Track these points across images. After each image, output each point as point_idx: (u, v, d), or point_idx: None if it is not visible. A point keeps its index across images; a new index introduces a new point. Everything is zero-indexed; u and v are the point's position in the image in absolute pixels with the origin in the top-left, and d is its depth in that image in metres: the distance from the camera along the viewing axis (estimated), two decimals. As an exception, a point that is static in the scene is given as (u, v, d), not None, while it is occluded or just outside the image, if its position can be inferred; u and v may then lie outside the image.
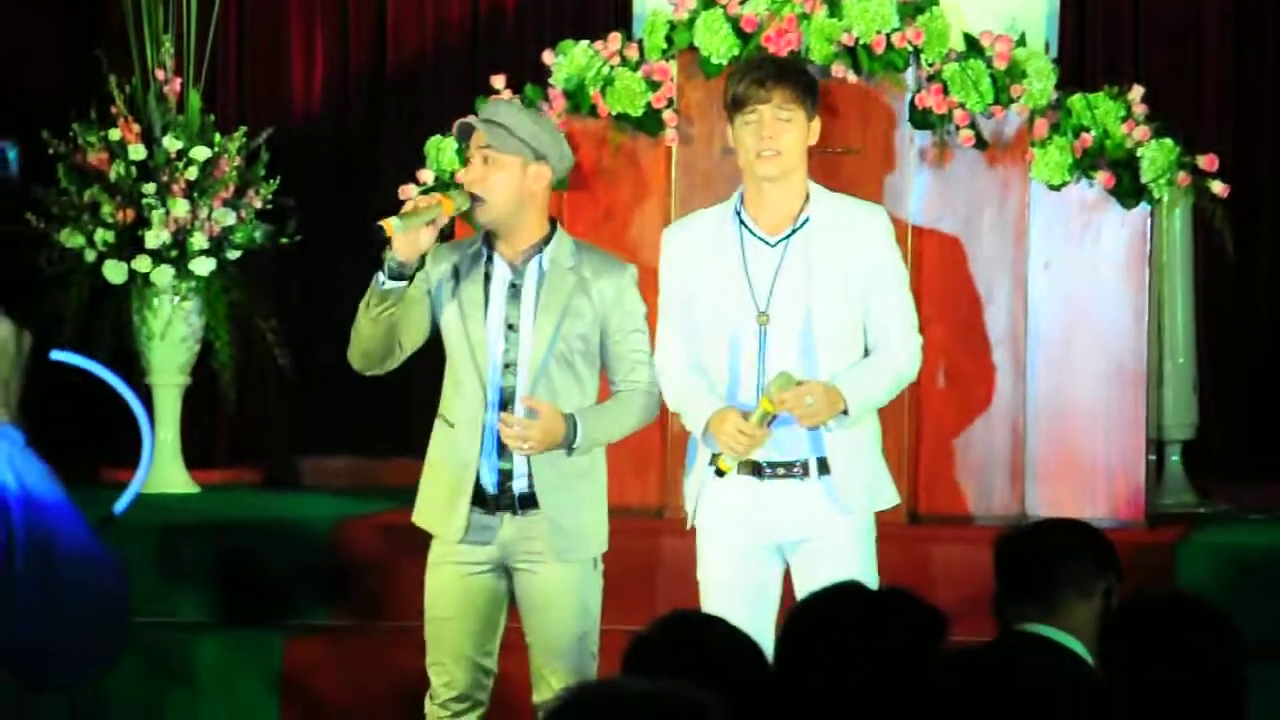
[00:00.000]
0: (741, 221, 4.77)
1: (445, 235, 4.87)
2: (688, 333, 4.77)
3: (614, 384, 4.78)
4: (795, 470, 4.71)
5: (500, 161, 4.68)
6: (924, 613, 3.03)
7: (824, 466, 4.71)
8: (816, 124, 4.78)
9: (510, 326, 4.69)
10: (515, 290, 4.70)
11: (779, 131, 4.69)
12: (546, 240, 4.73)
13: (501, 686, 4.88)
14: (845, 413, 4.65)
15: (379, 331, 4.67)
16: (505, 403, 4.68)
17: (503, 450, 4.69)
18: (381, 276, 4.62)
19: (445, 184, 6.17)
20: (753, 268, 4.72)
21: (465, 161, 4.76)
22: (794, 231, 4.73)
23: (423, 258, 4.69)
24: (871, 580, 4.70)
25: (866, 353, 4.77)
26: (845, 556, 4.68)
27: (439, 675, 4.79)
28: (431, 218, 4.59)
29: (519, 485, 4.71)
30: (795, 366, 4.67)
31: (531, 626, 4.77)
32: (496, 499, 4.71)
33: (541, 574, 4.72)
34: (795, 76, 4.77)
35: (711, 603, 4.72)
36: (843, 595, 3.09)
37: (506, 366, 4.68)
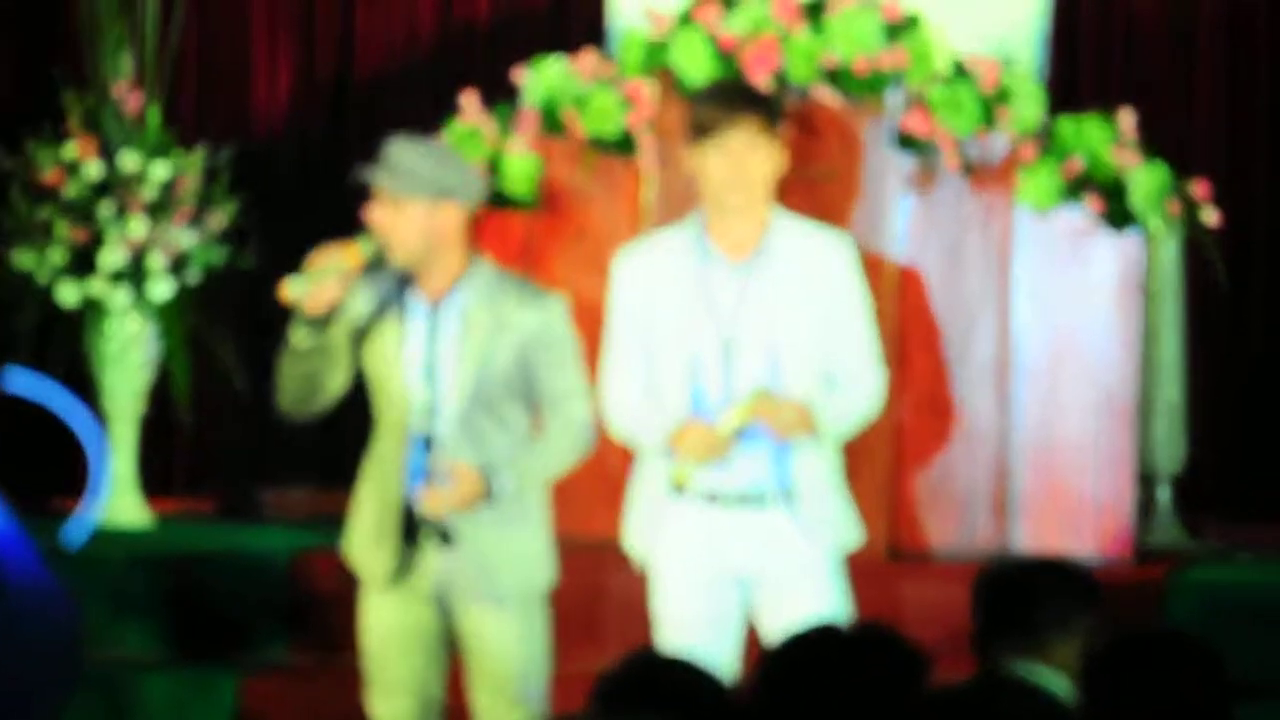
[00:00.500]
0: (704, 244, 4.69)
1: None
2: (642, 358, 4.71)
3: (542, 419, 4.67)
4: (758, 500, 4.65)
5: (405, 206, 4.56)
6: (903, 652, 3.00)
7: (787, 497, 4.64)
8: (783, 152, 4.73)
9: (430, 368, 4.59)
10: (434, 330, 4.60)
11: (746, 158, 4.63)
12: (467, 274, 4.61)
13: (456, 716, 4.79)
14: (815, 432, 4.62)
15: (299, 383, 4.60)
16: (428, 444, 4.59)
17: (430, 484, 4.59)
18: (295, 331, 4.53)
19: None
20: (716, 291, 4.65)
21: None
22: (758, 254, 4.67)
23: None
24: (843, 614, 4.63)
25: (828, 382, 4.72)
26: (811, 588, 4.62)
27: (383, 710, 4.70)
28: (338, 271, 4.49)
29: (446, 518, 4.62)
30: (770, 391, 4.62)
31: (470, 666, 4.69)
32: (425, 530, 4.61)
33: (475, 612, 4.64)
34: (763, 104, 4.72)
35: (670, 636, 4.66)
36: (820, 638, 3.04)
37: (429, 409, 4.59)
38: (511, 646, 4.63)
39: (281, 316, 7.48)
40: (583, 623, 5.88)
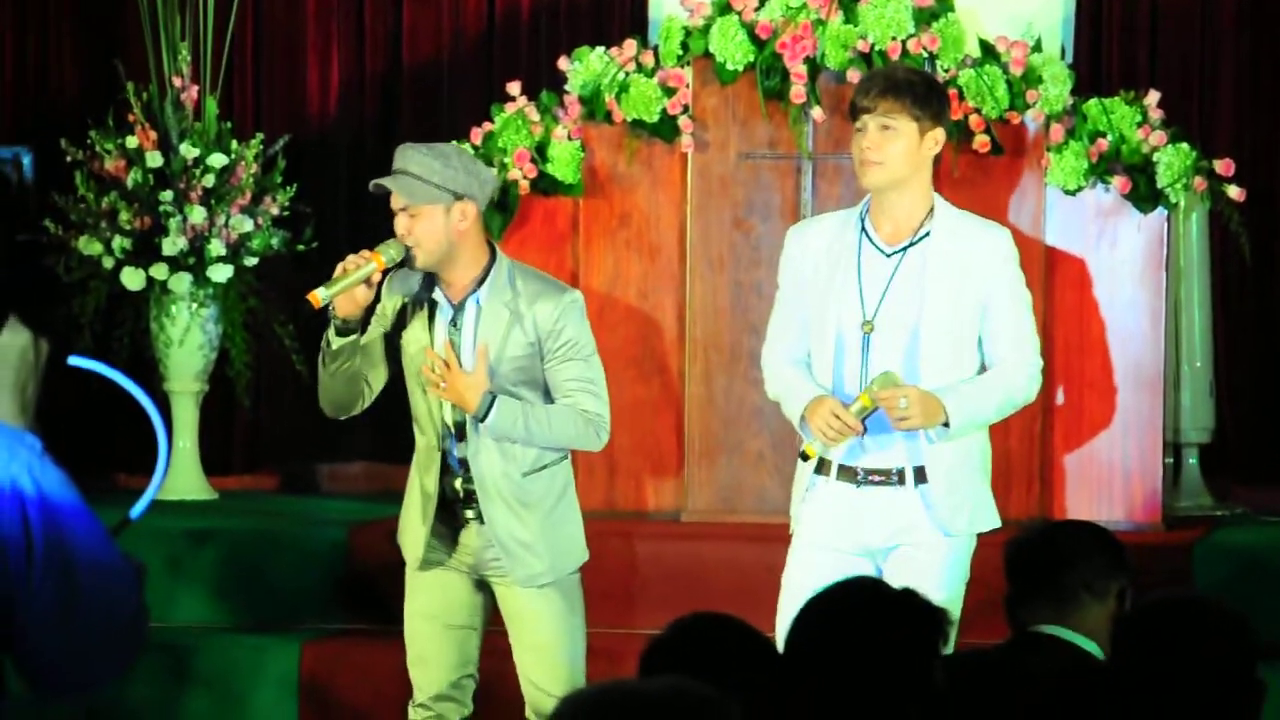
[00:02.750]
0: (863, 229, 4.76)
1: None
2: (797, 329, 4.79)
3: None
4: (892, 478, 4.69)
5: (422, 213, 4.69)
6: (926, 610, 3.02)
7: (920, 476, 4.68)
8: (938, 133, 4.73)
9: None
10: (456, 327, 4.74)
11: (880, 142, 4.69)
12: (486, 272, 4.74)
13: (486, 690, 4.91)
14: (946, 425, 4.62)
15: (339, 384, 4.74)
16: (460, 434, 4.74)
17: (467, 470, 4.74)
18: (329, 335, 4.67)
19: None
20: (866, 275, 4.72)
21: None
22: (912, 243, 4.73)
23: (377, 299, 4.73)
24: (956, 598, 4.67)
25: (983, 371, 4.75)
26: (933, 568, 4.65)
27: (419, 675, 4.85)
28: (363, 278, 4.62)
29: (471, 513, 4.78)
30: (899, 375, 4.66)
31: (513, 634, 4.84)
32: (463, 510, 4.77)
33: (513, 592, 4.79)
34: (903, 88, 4.73)
35: (789, 606, 4.55)
36: (845, 592, 3.08)
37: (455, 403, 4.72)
38: (551, 621, 4.78)
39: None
40: (624, 590, 6.02)
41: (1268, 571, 5.95)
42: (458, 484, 4.77)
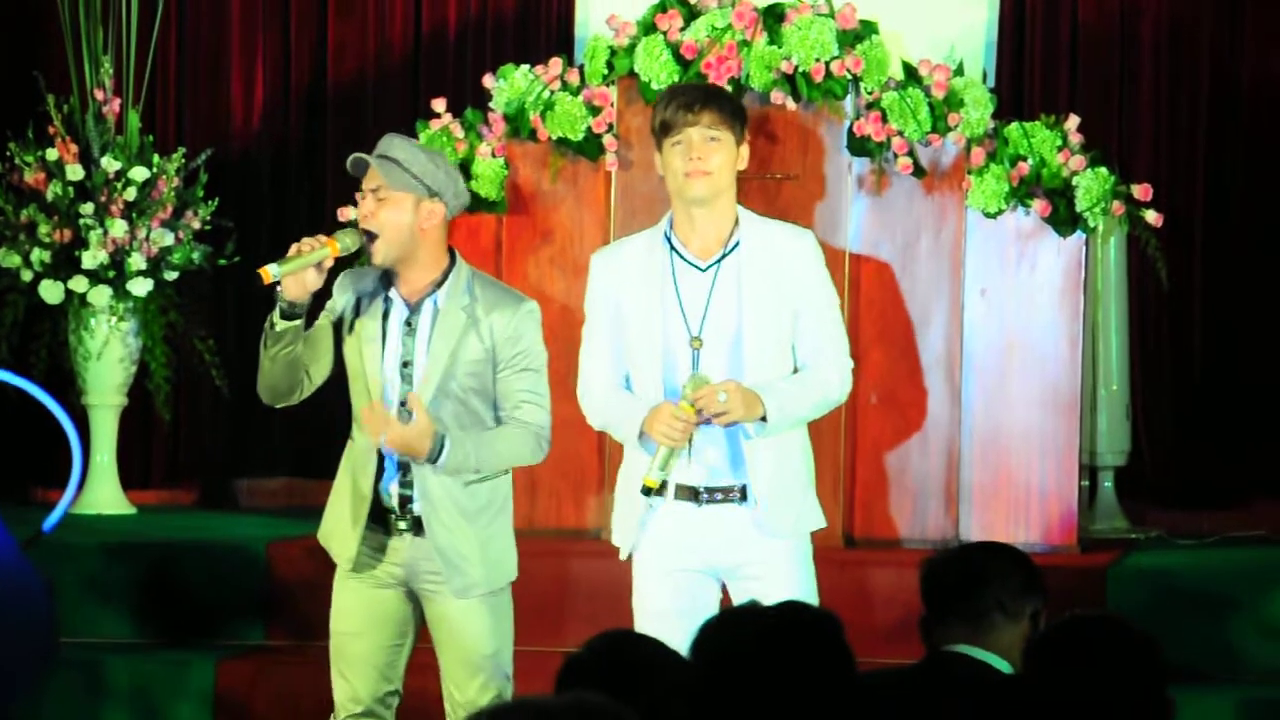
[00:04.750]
0: (672, 246, 4.80)
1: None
2: (613, 355, 4.80)
3: (500, 419, 4.78)
4: (732, 494, 4.74)
5: (392, 199, 4.67)
6: (818, 618, 3.05)
7: (745, 491, 4.74)
8: (745, 150, 4.82)
9: (405, 364, 4.71)
10: (410, 328, 4.71)
11: (708, 152, 4.73)
12: (445, 276, 4.73)
13: (410, 704, 4.90)
14: (764, 420, 4.68)
15: (279, 369, 4.69)
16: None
17: (405, 474, 4.72)
18: (274, 317, 4.63)
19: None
20: (684, 292, 4.76)
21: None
22: (724, 256, 4.77)
23: (328, 288, 4.71)
24: (812, 597, 4.75)
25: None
26: (781, 580, 4.70)
27: (342, 690, 4.82)
28: (316, 261, 4.59)
29: (417, 508, 4.74)
30: (708, 376, 4.70)
31: (440, 651, 4.81)
32: (396, 520, 4.74)
33: (443, 602, 4.76)
34: (722, 100, 4.83)
35: (648, 628, 4.72)
36: (740, 617, 3.11)
37: (404, 403, 4.69)
38: (480, 634, 4.76)
39: (258, 314, 7.64)
40: (551, 608, 6.02)
41: (1182, 595, 6.00)
42: (394, 488, 4.73)
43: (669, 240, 4.80)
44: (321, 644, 6.02)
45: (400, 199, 4.66)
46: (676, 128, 4.73)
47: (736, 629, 3.05)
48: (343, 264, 4.88)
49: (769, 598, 4.41)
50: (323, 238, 4.63)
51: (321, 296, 4.74)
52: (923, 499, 6.35)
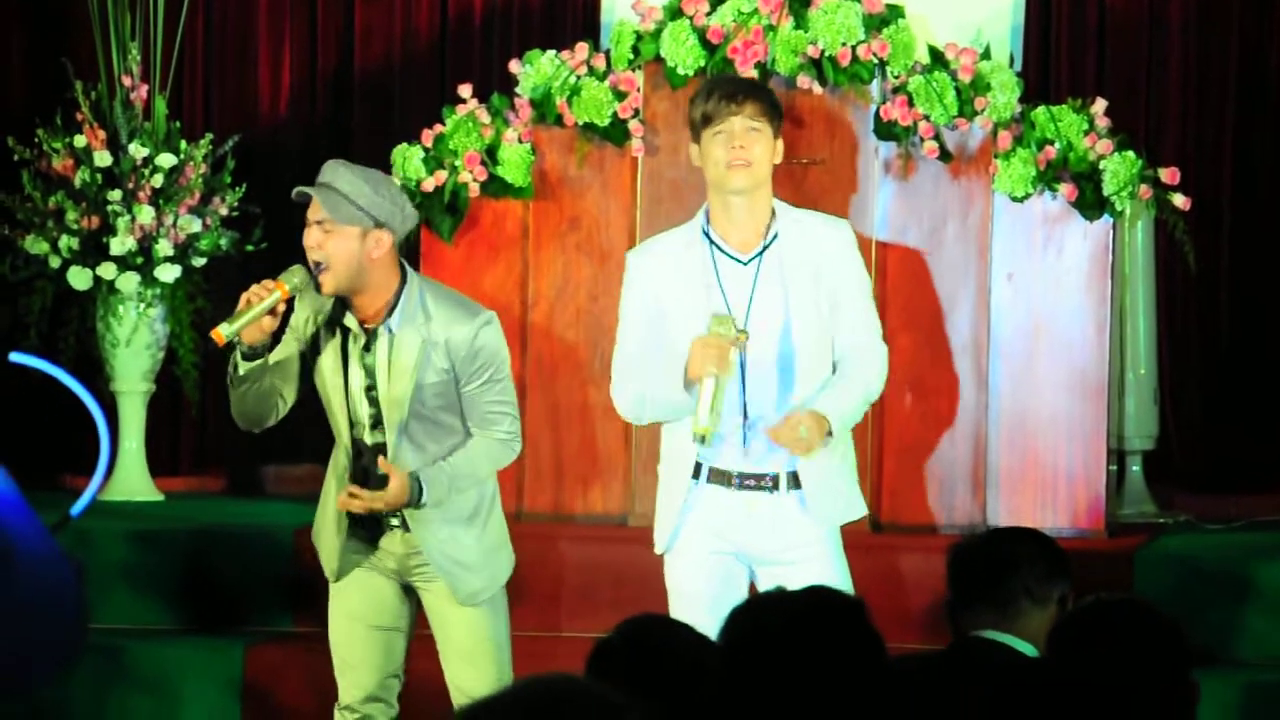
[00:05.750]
0: (711, 241, 4.79)
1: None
2: (655, 352, 4.78)
3: (467, 429, 4.79)
4: (766, 483, 4.75)
5: (339, 231, 4.67)
6: (844, 601, 3.05)
7: (795, 481, 4.75)
8: (780, 144, 4.86)
9: (369, 388, 4.73)
10: (370, 352, 4.72)
11: (750, 142, 4.75)
12: (397, 298, 4.72)
13: (412, 689, 4.92)
14: (829, 433, 4.70)
15: (250, 404, 4.74)
16: (376, 455, 4.73)
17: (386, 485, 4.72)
18: (236, 359, 4.65)
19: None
20: (728, 286, 4.75)
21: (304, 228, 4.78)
22: (765, 248, 4.77)
23: (285, 322, 4.73)
24: (846, 589, 4.73)
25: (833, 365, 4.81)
26: (816, 568, 4.71)
27: (345, 678, 4.85)
28: (267, 310, 4.60)
29: (395, 521, 4.79)
30: (774, 381, 4.73)
31: (441, 637, 4.84)
32: (387, 518, 4.77)
33: (439, 600, 4.79)
34: (763, 93, 4.87)
35: (680, 613, 4.74)
36: (770, 602, 3.11)
37: (373, 426, 4.73)
38: (479, 630, 4.80)
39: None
40: (578, 593, 6.03)
41: (1210, 579, 5.99)
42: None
43: (707, 235, 4.79)
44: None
45: (346, 231, 4.66)
46: (719, 118, 4.75)
47: (765, 614, 3.05)
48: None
49: (802, 584, 4.38)
50: (269, 283, 4.63)
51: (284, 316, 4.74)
52: (950, 484, 6.34)
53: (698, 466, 4.75)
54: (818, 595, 3.06)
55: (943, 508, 6.34)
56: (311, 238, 4.69)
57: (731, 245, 4.79)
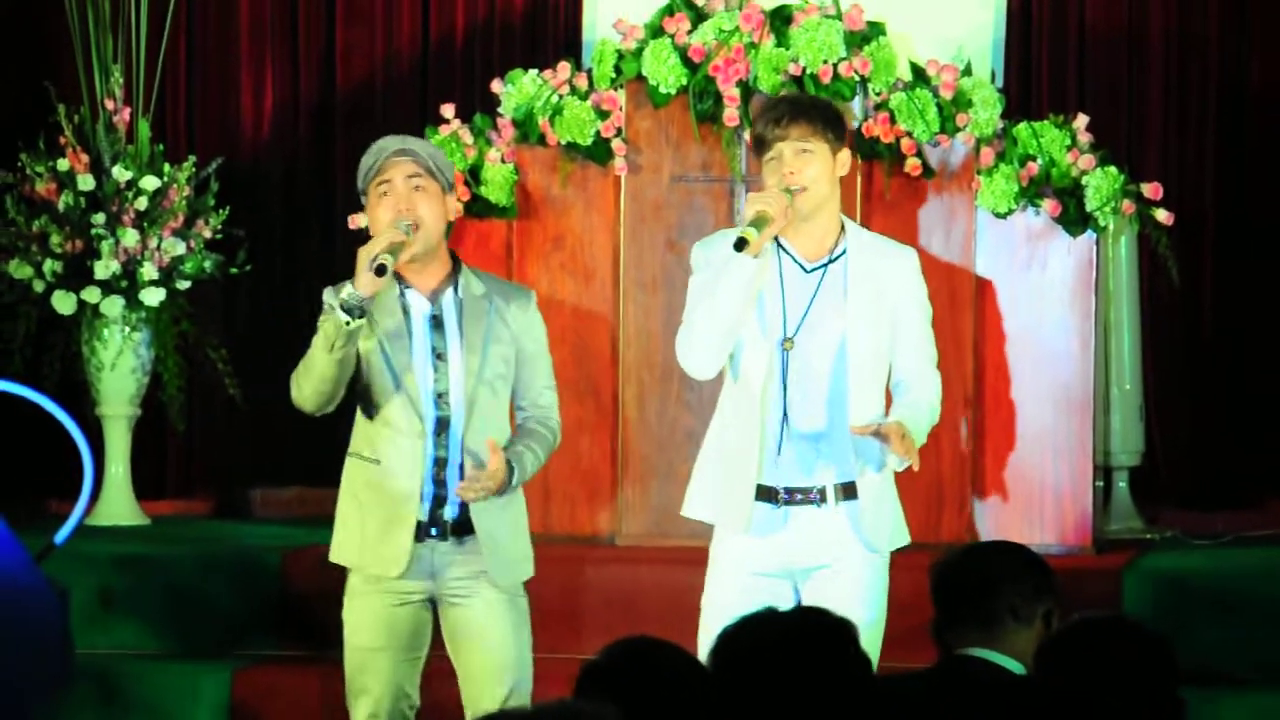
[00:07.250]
0: (780, 245, 4.77)
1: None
2: None
3: (521, 407, 4.82)
4: (813, 496, 4.73)
5: (430, 189, 4.72)
6: (833, 623, 3.05)
7: (847, 493, 4.72)
8: (845, 155, 4.79)
9: (438, 356, 4.72)
10: (437, 321, 4.73)
11: (800, 165, 4.71)
12: (454, 271, 4.77)
13: (426, 713, 4.89)
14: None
15: (336, 371, 4.64)
16: (440, 431, 4.71)
17: (436, 477, 4.71)
18: (342, 316, 4.57)
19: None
20: (789, 290, 4.75)
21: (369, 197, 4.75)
22: (831, 261, 4.76)
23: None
24: (882, 616, 4.74)
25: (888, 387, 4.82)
26: (858, 585, 4.70)
27: (364, 705, 4.80)
28: (403, 238, 4.62)
29: (449, 512, 4.74)
30: (819, 392, 4.71)
31: (464, 658, 4.79)
32: (427, 527, 4.73)
33: (470, 605, 4.76)
34: (812, 111, 4.78)
35: (712, 626, 4.66)
36: (758, 621, 3.12)
37: (439, 396, 4.71)
38: (504, 635, 4.75)
39: (271, 323, 7.64)
40: (566, 614, 6.02)
41: (1197, 596, 6.00)
42: (433, 489, 4.71)
43: (776, 239, 4.76)
44: (337, 654, 6.05)
45: (436, 190, 4.72)
46: (769, 144, 4.73)
47: (754, 635, 3.05)
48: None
49: (843, 602, 4.32)
50: (388, 234, 4.59)
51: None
52: (936, 500, 6.34)
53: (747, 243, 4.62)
54: (806, 616, 3.06)
55: (928, 525, 6.31)
56: (404, 199, 4.68)
57: (798, 252, 4.78)
